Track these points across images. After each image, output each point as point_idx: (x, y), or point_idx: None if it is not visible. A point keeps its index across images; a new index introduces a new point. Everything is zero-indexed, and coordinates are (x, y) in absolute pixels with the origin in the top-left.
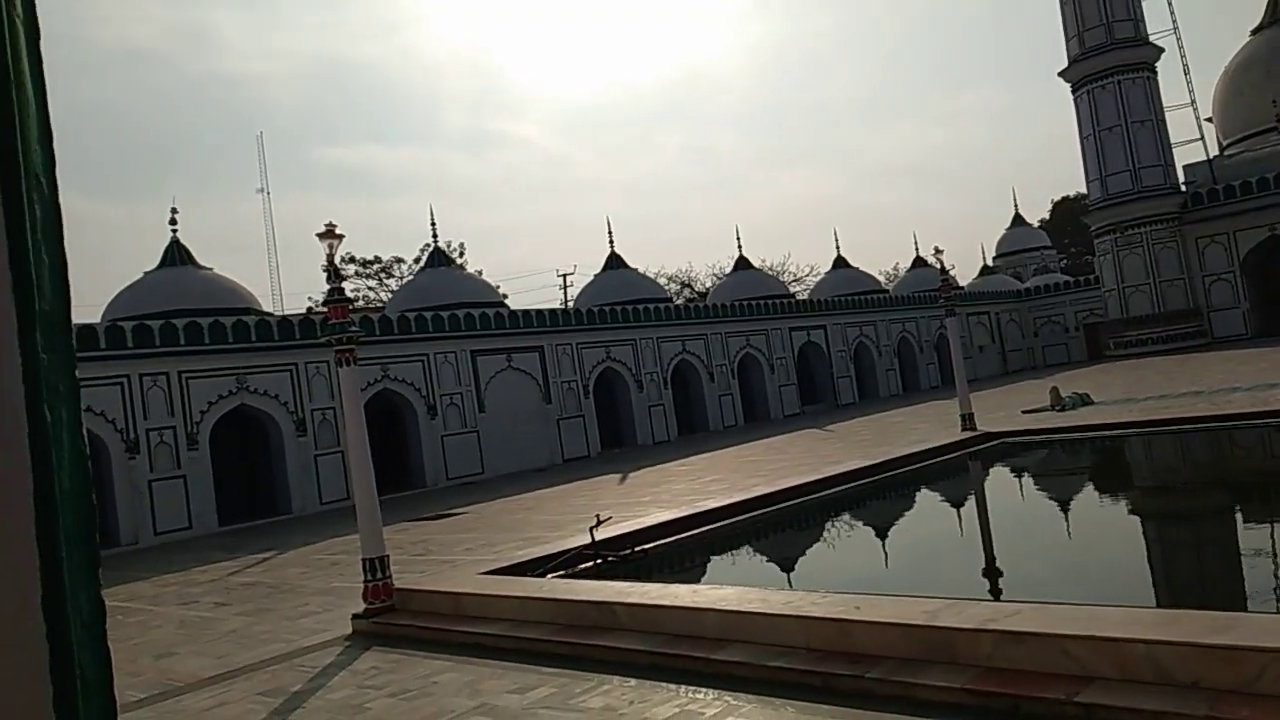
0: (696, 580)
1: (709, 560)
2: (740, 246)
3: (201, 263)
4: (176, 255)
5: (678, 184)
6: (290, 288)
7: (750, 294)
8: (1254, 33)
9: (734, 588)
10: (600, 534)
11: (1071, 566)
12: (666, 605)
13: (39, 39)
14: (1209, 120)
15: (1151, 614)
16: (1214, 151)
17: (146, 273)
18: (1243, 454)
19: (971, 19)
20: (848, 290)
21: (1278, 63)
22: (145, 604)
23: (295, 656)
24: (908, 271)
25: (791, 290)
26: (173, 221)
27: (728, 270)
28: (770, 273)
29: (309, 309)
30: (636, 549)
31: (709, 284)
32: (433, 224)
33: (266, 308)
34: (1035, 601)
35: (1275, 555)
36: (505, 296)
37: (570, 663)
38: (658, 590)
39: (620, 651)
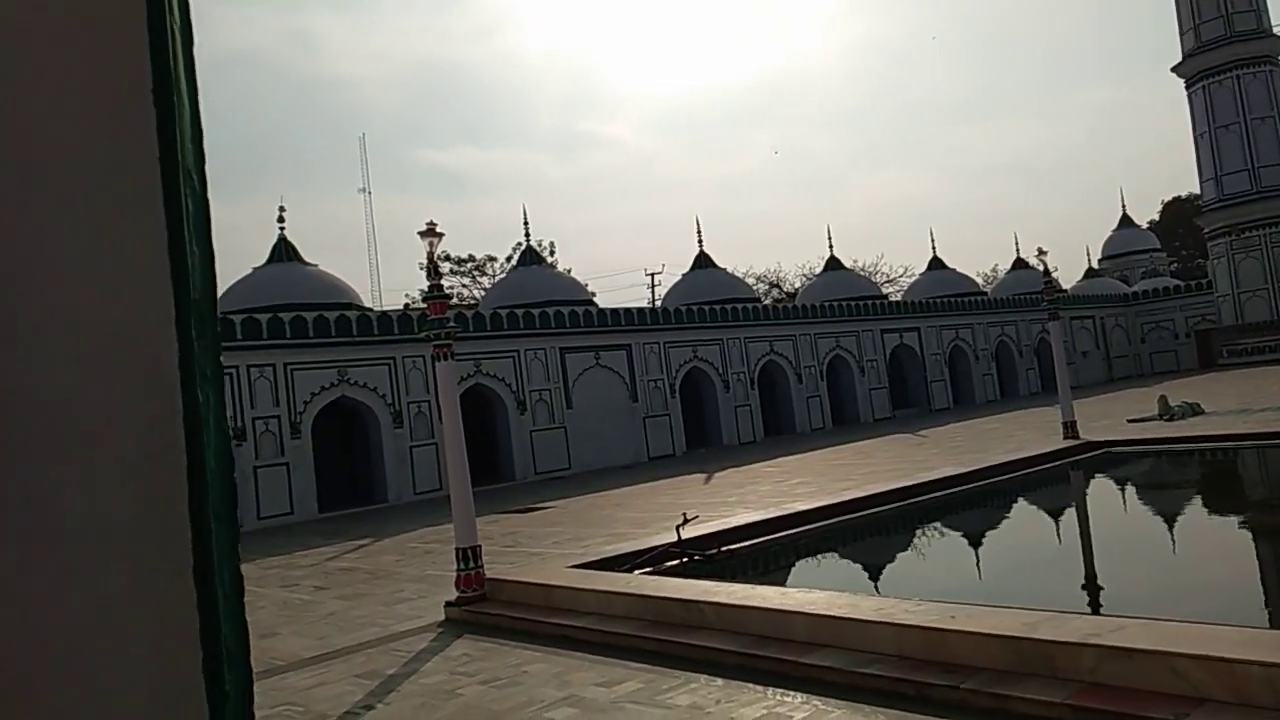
0: (782, 583)
1: (795, 563)
2: (831, 246)
3: (307, 259)
4: (284, 252)
5: (768, 183)
6: (388, 284)
7: (841, 295)
8: None
9: (823, 591)
10: (686, 533)
11: (1177, 583)
12: (754, 606)
13: (192, 45)
14: None
15: (1272, 635)
16: None
17: (255, 269)
18: None
19: (1077, 12)
20: (943, 292)
21: None
22: (250, 585)
23: (390, 641)
24: (1007, 273)
25: (884, 291)
26: (280, 220)
27: (818, 270)
28: (862, 273)
29: (406, 305)
30: (722, 549)
31: (798, 284)
32: (525, 223)
33: (366, 303)
34: (1142, 617)
35: None
36: (594, 295)
37: (656, 659)
38: (745, 591)
39: (707, 650)
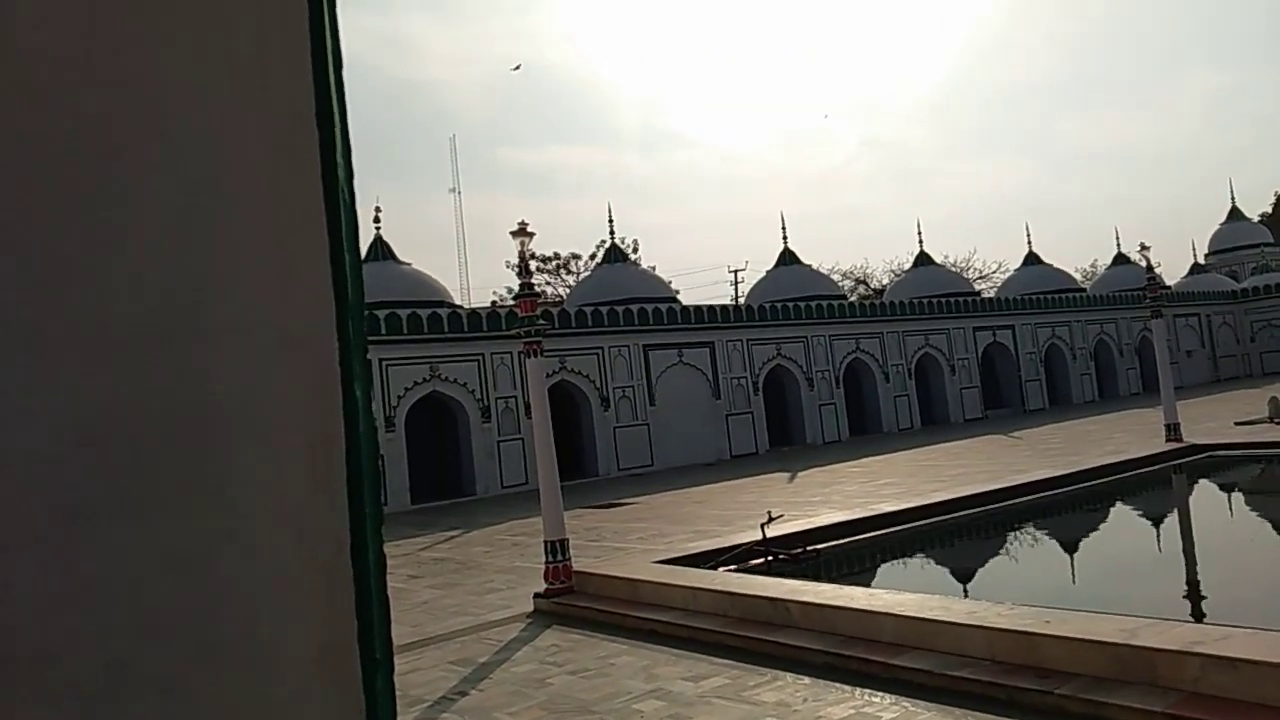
0: (868, 584)
1: (881, 565)
2: (921, 241)
3: (401, 258)
4: (380, 251)
5: (856, 178)
6: (476, 282)
7: (931, 291)
8: None
9: (912, 594)
10: (771, 531)
11: None
12: (841, 606)
13: (342, 68)
14: None
15: None
16: None
17: None
18: None
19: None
20: (1039, 288)
21: None
22: None
23: (481, 630)
24: (1107, 269)
25: (977, 288)
26: (376, 219)
27: (906, 266)
28: (953, 269)
29: (494, 303)
30: (808, 549)
31: (886, 280)
32: (610, 221)
33: (456, 301)
34: (1249, 626)
35: None
36: (677, 292)
37: (743, 655)
38: (832, 591)
39: (793, 649)
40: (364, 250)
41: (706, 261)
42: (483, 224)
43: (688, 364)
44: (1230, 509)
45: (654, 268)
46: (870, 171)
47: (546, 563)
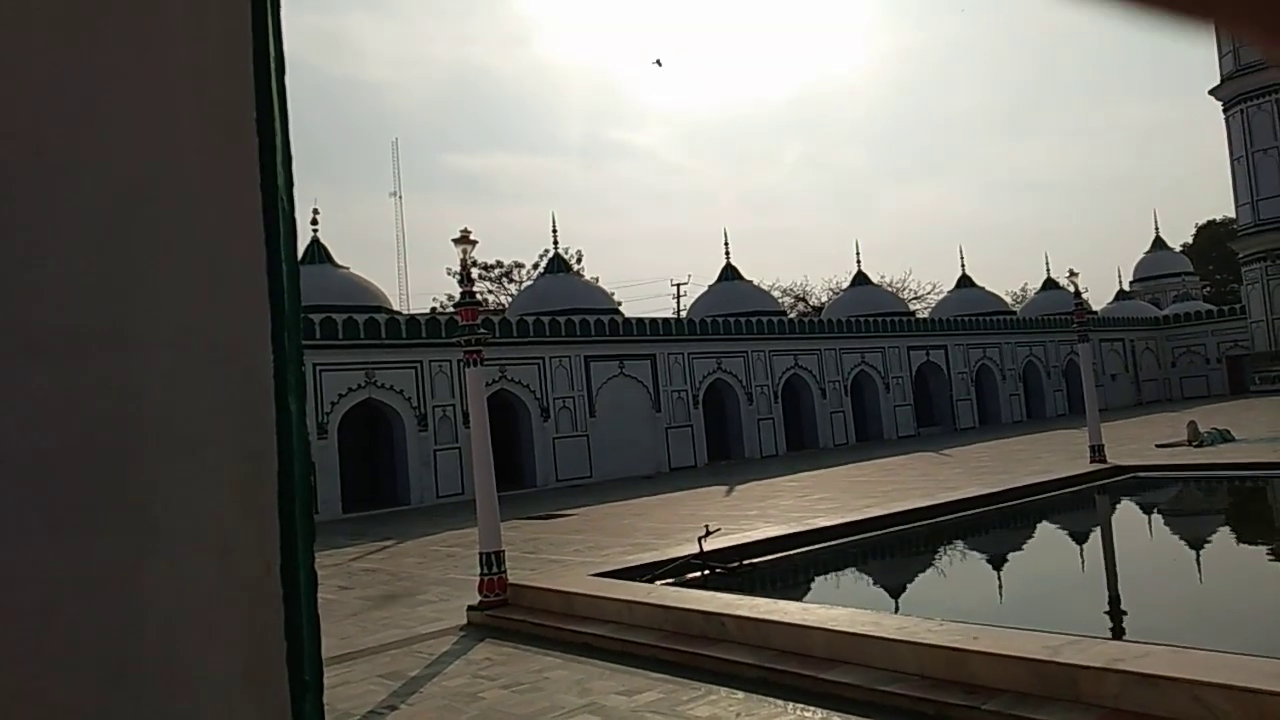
0: (802, 598)
1: (816, 579)
2: (859, 261)
3: (338, 261)
4: (317, 254)
5: (798, 197)
6: (415, 288)
7: (867, 310)
8: None
9: (845, 608)
10: (708, 545)
11: (1202, 612)
12: (776, 621)
13: (284, 74)
14: None
15: None
16: None
17: None
18: None
19: (1114, 31)
20: (971, 310)
21: None
22: None
23: (413, 643)
24: (1037, 293)
25: (912, 308)
26: (314, 222)
27: (845, 285)
28: (889, 289)
29: (433, 309)
30: (744, 562)
31: (824, 299)
32: (554, 231)
33: (395, 307)
34: (1168, 644)
35: None
36: (620, 304)
37: (677, 670)
38: (767, 605)
39: (727, 663)
40: (301, 254)
41: (650, 275)
42: (424, 229)
43: (629, 376)
44: (1150, 529)
45: (597, 279)
46: (811, 191)
47: (481, 575)
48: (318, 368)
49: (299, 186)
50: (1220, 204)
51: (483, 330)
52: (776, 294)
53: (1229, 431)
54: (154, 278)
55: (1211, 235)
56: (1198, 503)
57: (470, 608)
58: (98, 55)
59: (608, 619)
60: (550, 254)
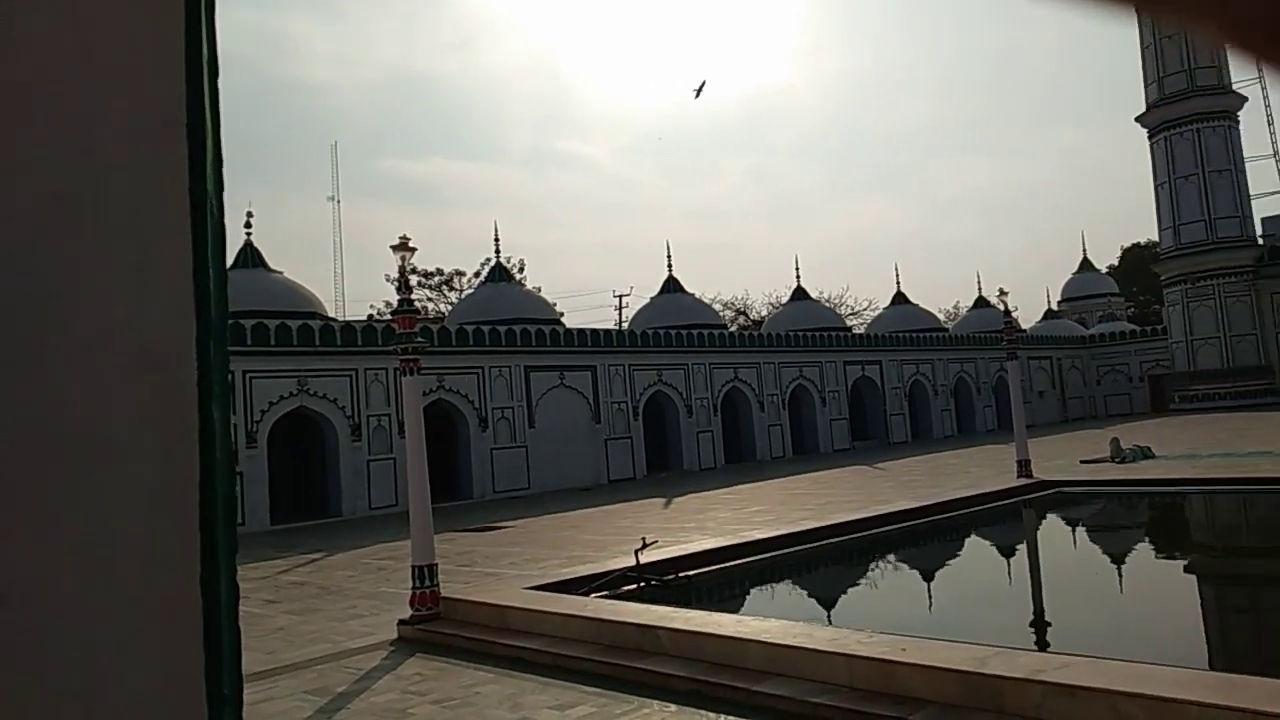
0: (738, 611)
1: (751, 591)
2: (799, 276)
3: (272, 266)
4: (249, 257)
5: (741, 210)
6: (353, 294)
7: (806, 325)
8: None
9: (778, 621)
10: (645, 557)
11: (1123, 623)
12: (710, 633)
13: (218, 76)
14: None
15: (1209, 677)
16: None
17: None
18: None
19: (1051, 58)
20: (906, 327)
21: None
22: None
23: (341, 658)
24: (969, 310)
25: (849, 324)
26: (247, 224)
27: (785, 299)
28: (828, 304)
29: (370, 316)
30: (680, 574)
31: (765, 312)
32: (496, 239)
33: (330, 313)
34: (1087, 655)
35: None
36: (561, 314)
37: (610, 683)
38: (701, 617)
39: (661, 676)
40: (233, 257)
41: (593, 286)
42: (362, 234)
43: (569, 387)
44: (1074, 542)
45: (539, 289)
46: (755, 205)
47: (413, 588)
48: (248, 375)
49: (235, 188)
50: (1145, 228)
51: (420, 339)
52: (718, 307)
53: (1150, 448)
54: (76, 284)
55: (1136, 258)
56: (1119, 517)
57: (401, 622)
58: (19, 54)
59: (542, 633)
60: (492, 262)
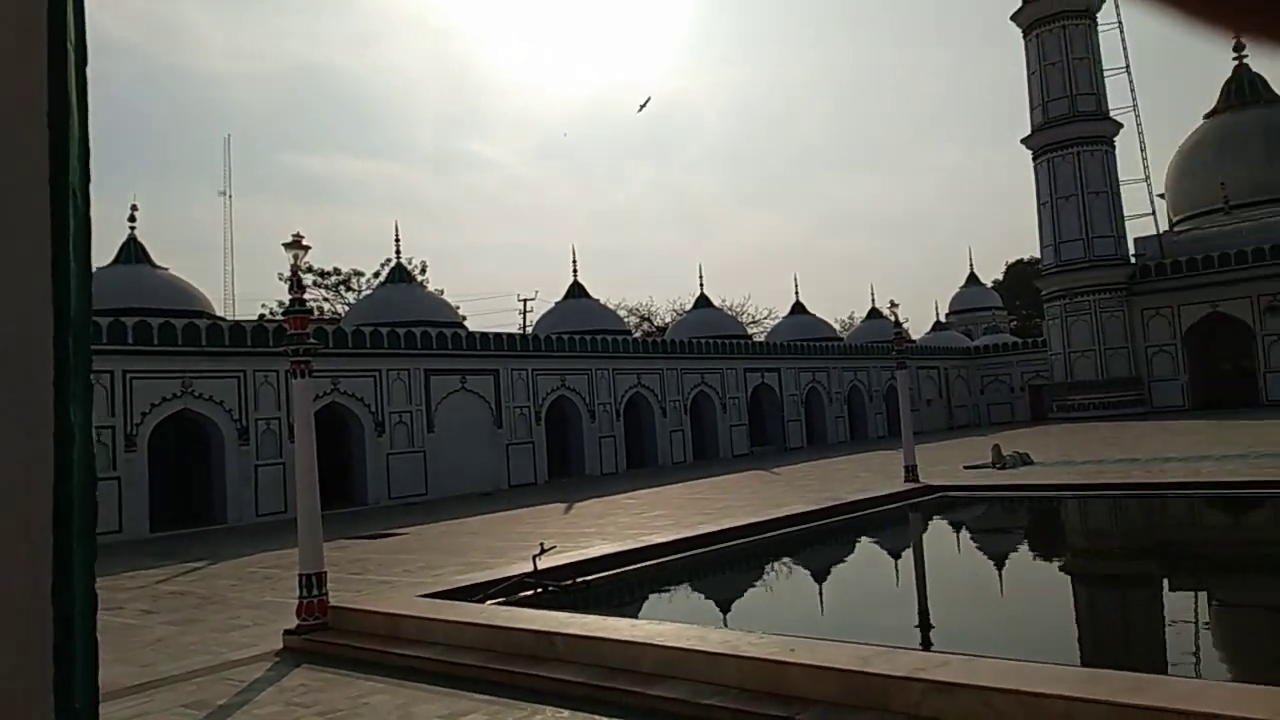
0: (636, 615)
1: (650, 595)
2: (702, 284)
3: (157, 263)
4: (133, 253)
5: (646, 217)
6: (243, 293)
7: (708, 332)
8: (1207, 117)
9: (674, 624)
10: (543, 563)
11: (1002, 621)
12: (605, 638)
13: (86, 65)
14: (1161, 196)
15: (1074, 672)
16: (1164, 227)
17: (100, 268)
18: (1172, 522)
19: (943, 82)
20: (803, 336)
21: (1227, 147)
22: None
23: (222, 670)
24: (863, 321)
25: (750, 332)
26: (132, 218)
27: (688, 307)
28: (730, 313)
29: (261, 316)
30: (578, 580)
31: (668, 319)
32: (396, 239)
33: (220, 312)
34: (965, 653)
35: (1196, 621)
36: (464, 318)
37: (504, 690)
38: (597, 622)
39: (556, 682)
40: (114, 252)
41: (497, 289)
42: (256, 231)
43: (470, 391)
44: (957, 545)
45: (441, 291)
46: (661, 212)
47: (300, 597)
48: (129, 375)
49: (121, 181)
50: (1028, 245)
51: (314, 340)
52: (622, 313)
53: (1029, 455)
54: None
55: (1020, 273)
56: (1000, 521)
57: (287, 632)
58: None
59: (435, 641)
60: (393, 263)
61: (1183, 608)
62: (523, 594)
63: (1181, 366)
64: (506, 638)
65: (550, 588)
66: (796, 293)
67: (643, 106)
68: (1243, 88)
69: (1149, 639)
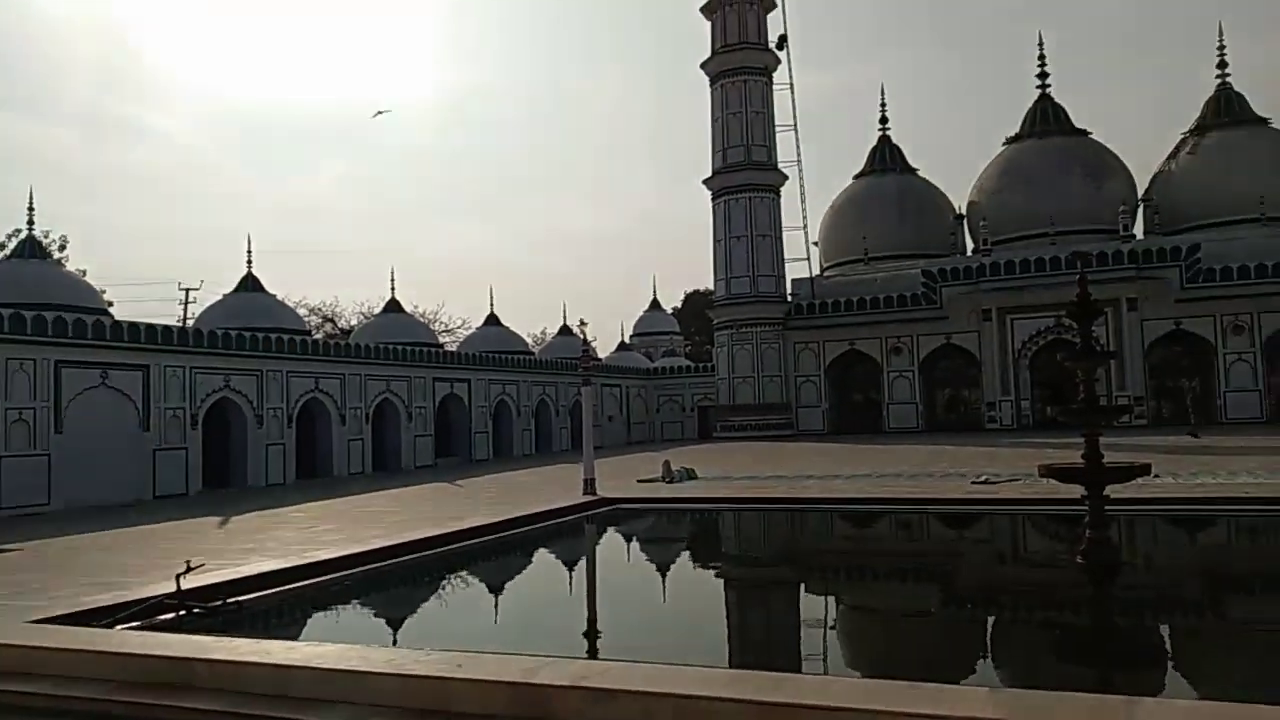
0: (297, 636)
1: (315, 615)
2: (394, 288)
3: None
4: None
5: (335, 214)
6: None
7: (397, 338)
8: (856, 177)
9: (336, 645)
10: (189, 582)
11: (665, 627)
12: (255, 662)
13: None
14: (815, 244)
15: (722, 673)
16: (817, 271)
17: None
18: (811, 534)
19: (651, 116)
20: (496, 348)
21: (871, 204)
22: None
23: None
24: (554, 337)
25: (442, 341)
26: None
27: (377, 310)
28: (422, 319)
29: None
30: (230, 600)
31: (355, 322)
32: (30, 208)
33: None
34: (628, 660)
35: (825, 623)
36: (110, 304)
37: None
38: (249, 646)
39: (191, 713)
40: None
41: (157, 276)
42: None
43: (112, 388)
44: (627, 555)
45: (84, 272)
46: (353, 211)
47: None
48: None
49: None
50: (705, 277)
51: None
52: (303, 312)
53: (694, 470)
54: None
55: (696, 302)
56: (665, 531)
57: None
58: None
59: (45, 673)
60: (23, 234)
61: (815, 610)
62: (163, 617)
63: (823, 395)
64: (135, 666)
65: (196, 609)
66: (492, 304)
67: (379, 113)
68: (885, 155)
69: (787, 640)
